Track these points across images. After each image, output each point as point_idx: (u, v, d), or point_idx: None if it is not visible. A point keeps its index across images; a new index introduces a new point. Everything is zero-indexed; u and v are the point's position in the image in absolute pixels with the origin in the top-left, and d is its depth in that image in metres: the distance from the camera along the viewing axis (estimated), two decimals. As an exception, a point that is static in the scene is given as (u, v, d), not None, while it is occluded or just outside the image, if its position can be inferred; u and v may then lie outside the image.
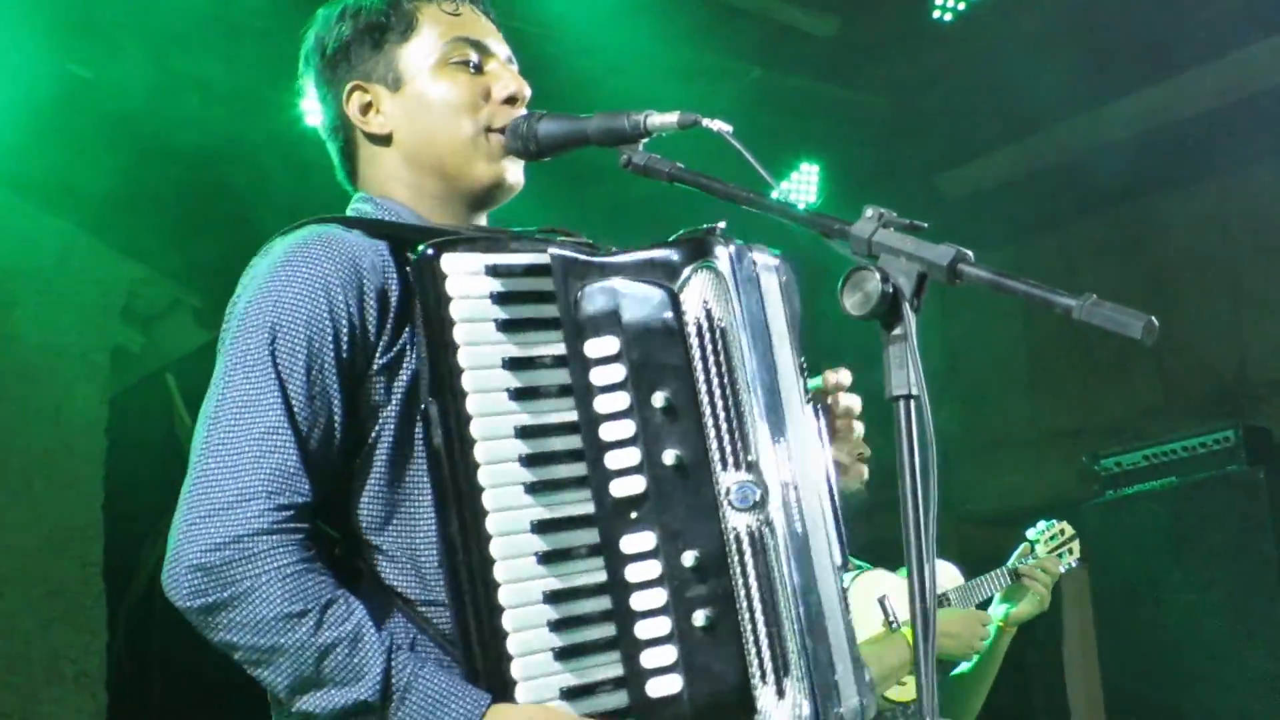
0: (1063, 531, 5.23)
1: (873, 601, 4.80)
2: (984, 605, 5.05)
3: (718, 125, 2.58)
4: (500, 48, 2.86)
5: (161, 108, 6.86)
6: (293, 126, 6.94)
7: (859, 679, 2.62)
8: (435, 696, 2.38)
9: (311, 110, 6.81)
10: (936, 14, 7.74)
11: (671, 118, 2.60)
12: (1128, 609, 7.30)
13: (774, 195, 2.58)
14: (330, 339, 2.49)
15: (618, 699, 2.39)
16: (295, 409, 2.46)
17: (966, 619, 4.87)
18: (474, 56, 2.80)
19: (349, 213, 2.81)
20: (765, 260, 2.72)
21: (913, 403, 2.26)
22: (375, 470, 2.53)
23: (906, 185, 8.71)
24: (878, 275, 2.27)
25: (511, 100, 2.78)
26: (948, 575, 5.10)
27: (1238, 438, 7.51)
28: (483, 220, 2.85)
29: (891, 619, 4.76)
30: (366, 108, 2.81)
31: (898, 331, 2.28)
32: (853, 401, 2.89)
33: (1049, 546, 5.18)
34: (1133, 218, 9.30)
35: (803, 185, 8.59)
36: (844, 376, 2.86)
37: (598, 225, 2.90)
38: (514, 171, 2.79)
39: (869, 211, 2.35)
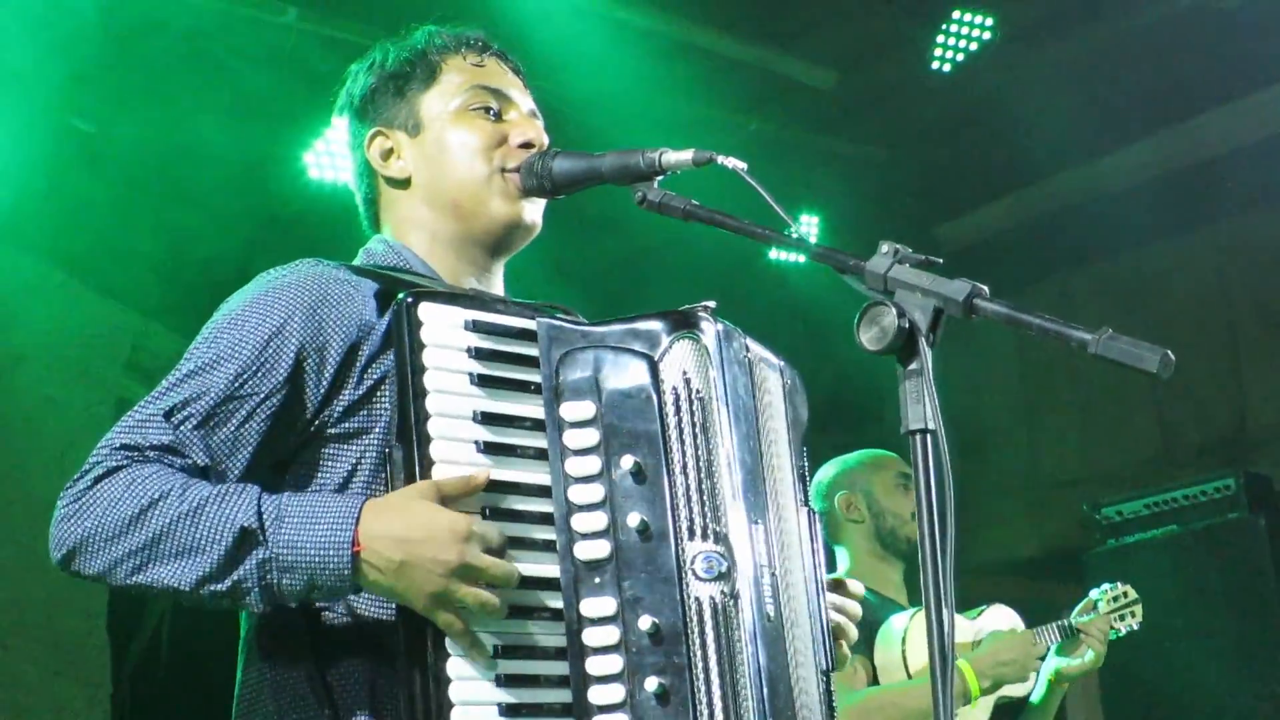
0: (1126, 594, 5.21)
1: None
2: (1040, 657, 5.03)
3: (732, 163, 2.59)
4: (523, 100, 2.90)
5: (166, 162, 6.91)
6: (297, 183, 7.01)
7: None
8: (309, 509, 2.36)
9: (314, 164, 6.92)
10: (935, 64, 7.81)
11: (686, 155, 2.62)
12: (1130, 656, 7.29)
13: (790, 232, 2.57)
14: (273, 357, 2.51)
15: None
16: (210, 395, 2.47)
17: (1019, 643, 4.88)
18: (494, 104, 2.83)
19: (361, 252, 2.84)
20: (765, 355, 2.73)
21: (930, 437, 2.27)
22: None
23: (905, 237, 8.67)
24: (893, 311, 2.29)
25: (528, 146, 2.80)
26: (1006, 619, 5.09)
27: (1238, 485, 7.52)
28: (499, 269, 2.87)
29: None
30: (387, 153, 2.85)
31: (914, 366, 2.29)
32: None
33: (1110, 607, 5.16)
34: (1131, 267, 9.34)
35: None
36: None
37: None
38: (531, 211, 2.81)
39: (884, 247, 2.38)
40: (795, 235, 2.56)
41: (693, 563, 2.41)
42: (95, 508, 2.37)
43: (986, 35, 7.71)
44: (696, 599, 2.40)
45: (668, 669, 2.36)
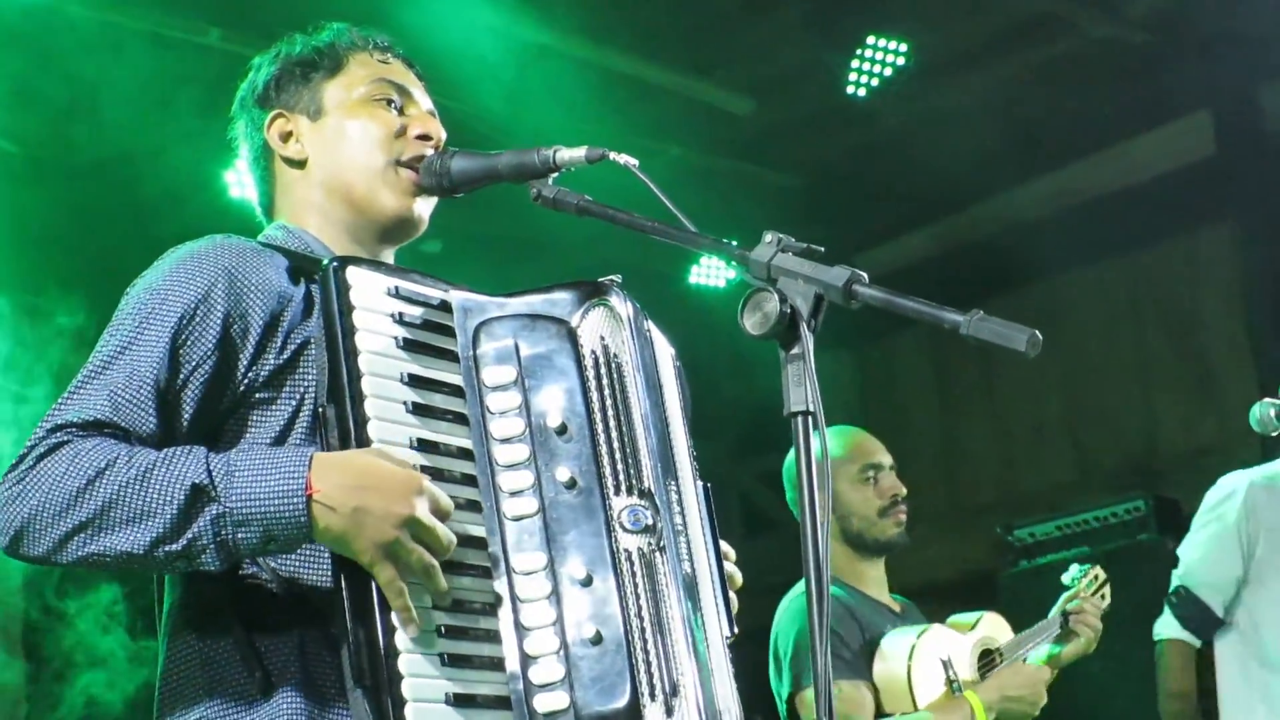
0: (1097, 576, 5.18)
1: (935, 660, 4.69)
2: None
3: (624, 159, 2.65)
4: (424, 99, 2.93)
5: (88, 182, 6.93)
6: (218, 201, 7.05)
7: None
8: (260, 461, 2.38)
9: (235, 182, 6.93)
10: (850, 89, 7.90)
11: (579, 152, 2.68)
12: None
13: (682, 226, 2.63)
14: (201, 324, 2.53)
15: (505, 713, 2.40)
16: (145, 367, 2.48)
17: (1032, 680, 4.78)
18: (395, 98, 2.88)
19: (261, 237, 2.85)
20: (661, 340, 2.79)
21: (809, 419, 2.35)
22: None
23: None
24: (776, 297, 2.36)
25: (425, 138, 2.84)
26: (998, 628, 4.99)
27: (1148, 508, 7.66)
28: (389, 256, 2.91)
29: (953, 680, 4.66)
30: (286, 135, 2.88)
31: (795, 351, 2.36)
32: None
33: (1090, 589, 5.10)
34: (1044, 296, 9.47)
35: (723, 262, 8.73)
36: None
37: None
38: (420, 207, 2.85)
39: (768, 237, 2.44)
40: (686, 229, 2.62)
41: (619, 515, 2.47)
42: (39, 486, 2.36)
43: (901, 61, 7.80)
44: (625, 549, 2.45)
45: (600, 616, 2.41)
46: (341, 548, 2.38)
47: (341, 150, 2.84)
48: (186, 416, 2.52)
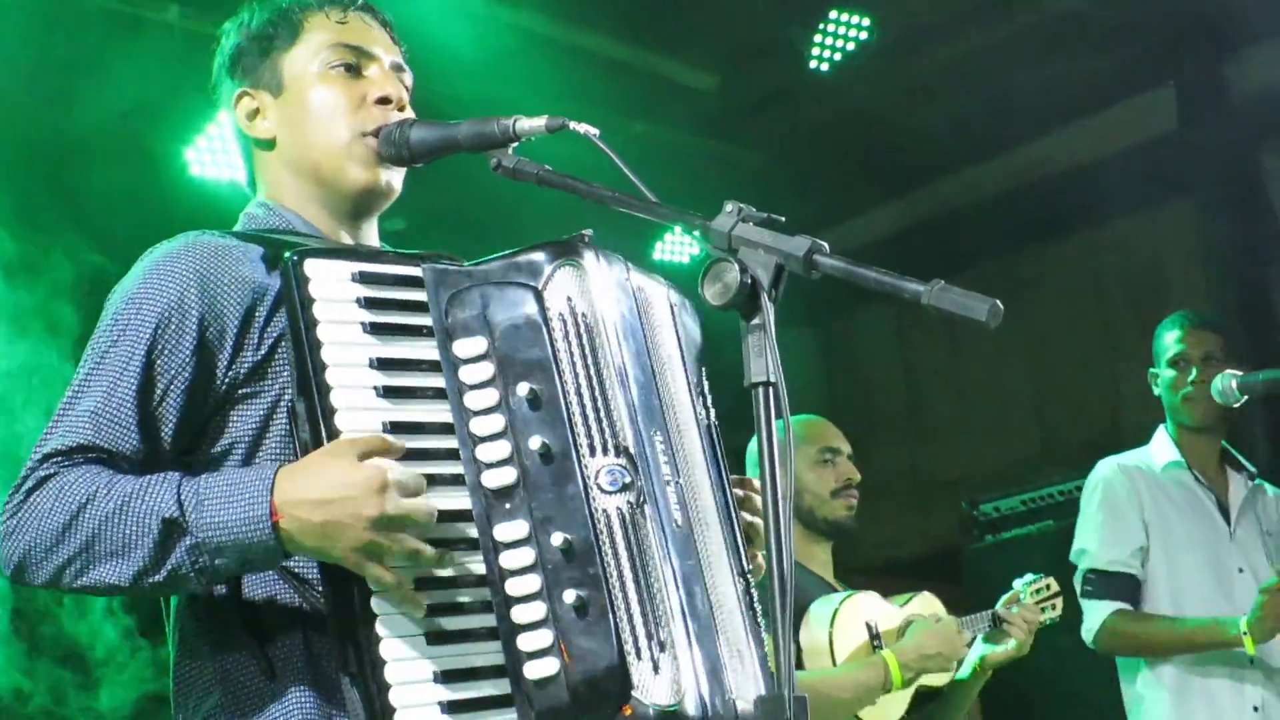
0: (1049, 586, 5.24)
1: (860, 623, 4.83)
2: (967, 645, 5.00)
3: (584, 128, 2.65)
4: (387, 55, 2.90)
5: (48, 160, 6.89)
6: (179, 180, 7.01)
7: (763, 685, 2.60)
8: (226, 488, 2.41)
9: (195, 160, 6.89)
10: (813, 64, 7.91)
11: (540, 122, 2.67)
12: (1006, 650, 7.39)
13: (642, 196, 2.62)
14: (176, 332, 2.55)
15: (497, 683, 2.42)
16: (124, 383, 2.53)
17: (945, 634, 4.84)
18: (354, 61, 2.85)
19: (242, 217, 2.87)
20: (648, 279, 2.77)
21: (771, 389, 2.35)
22: (266, 459, 2.59)
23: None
24: (736, 267, 2.36)
25: (384, 101, 2.82)
26: (931, 606, 5.09)
27: (1112, 482, 7.65)
28: (370, 226, 2.92)
29: (875, 639, 4.81)
30: (253, 114, 2.88)
31: (756, 321, 2.36)
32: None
33: (1035, 598, 5.16)
34: (1008, 271, 9.48)
35: (686, 238, 8.73)
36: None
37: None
38: (388, 176, 2.84)
39: (729, 206, 2.43)
40: (647, 199, 2.61)
41: (596, 477, 2.47)
42: (31, 522, 2.44)
43: (864, 35, 7.82)
44: (604, 511, 2.45)
45: (584, 581, 2.41)
46: (322, 558, 2.42)
47: (305, 129, 2.84)
48: (171, 425, 2.56)
